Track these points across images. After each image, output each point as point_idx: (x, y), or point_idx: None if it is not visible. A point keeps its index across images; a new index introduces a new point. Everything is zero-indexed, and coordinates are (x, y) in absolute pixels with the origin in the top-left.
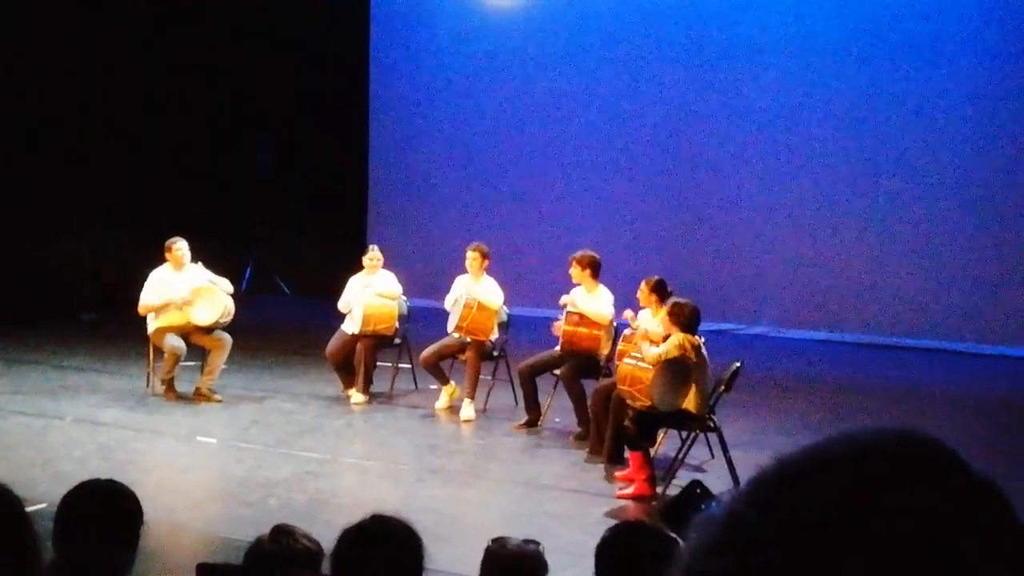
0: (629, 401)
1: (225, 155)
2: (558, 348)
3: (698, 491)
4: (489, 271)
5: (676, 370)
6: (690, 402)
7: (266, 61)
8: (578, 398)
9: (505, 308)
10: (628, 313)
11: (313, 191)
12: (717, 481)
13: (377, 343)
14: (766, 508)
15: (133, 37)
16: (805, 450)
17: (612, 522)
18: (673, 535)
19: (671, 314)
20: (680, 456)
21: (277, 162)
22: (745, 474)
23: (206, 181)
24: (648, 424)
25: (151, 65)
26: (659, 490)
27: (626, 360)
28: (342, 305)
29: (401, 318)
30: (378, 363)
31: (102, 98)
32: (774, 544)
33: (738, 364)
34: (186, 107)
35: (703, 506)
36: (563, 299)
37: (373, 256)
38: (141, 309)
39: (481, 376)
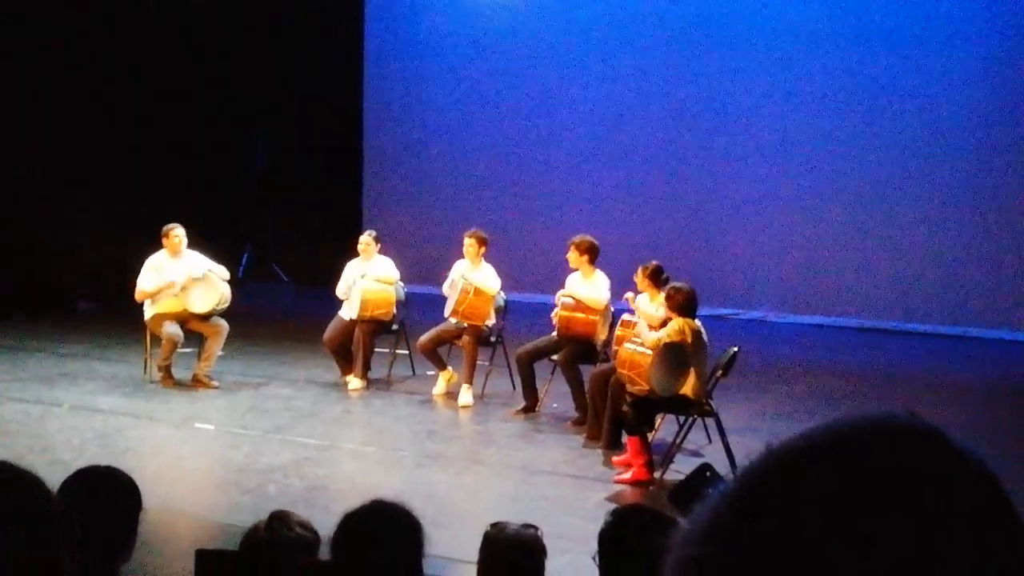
0: (628, 386)
1: (223, 148)
2: (555, 333)
3: (707, 474)
4: (487, 257)
5: (674, 355)
6: (688, 387)
7: (263, 55)
8: (576, 383)
9: (502, 294)
10: (629, 295)
11: (310, 180)
12: (715, 466)
13: (375, 329)
14: (736, 500)
15: (132, 36)
16: (791, 438)
17: (610, 507)
18: (680, 518)
19: (668, 298)
20: (678, 441)
21: (274, 153)
22: (742, 459)
23: (205, 173)
24: (646, 409)
25: (151, 61)
26: (657, 475)
27: (625, 345)
28: (340, 291)
29: (399, 304)
30: (376, 349)
31: (103, 93)
32: (742, 536)
33: (735, 349)
34: (185, 99)
35: (712, 489)
36: (559, 295)
37: (366, 241)
38: (137, 295)
39: (479, 362)
